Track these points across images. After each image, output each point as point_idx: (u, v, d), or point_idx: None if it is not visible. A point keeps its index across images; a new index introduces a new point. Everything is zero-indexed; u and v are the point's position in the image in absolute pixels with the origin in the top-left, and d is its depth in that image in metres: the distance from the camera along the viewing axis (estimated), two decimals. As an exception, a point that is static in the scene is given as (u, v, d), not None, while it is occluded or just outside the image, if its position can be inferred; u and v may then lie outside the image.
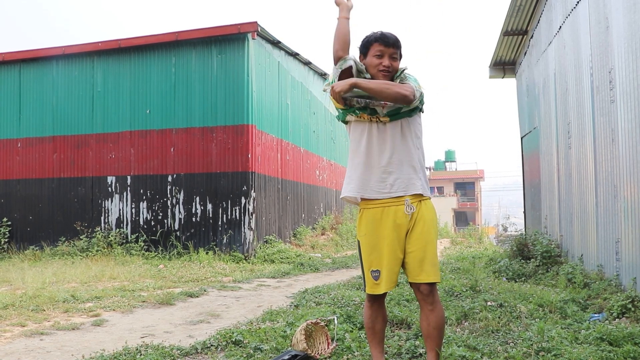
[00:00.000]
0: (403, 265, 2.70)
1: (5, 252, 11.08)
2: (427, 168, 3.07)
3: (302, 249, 11.85)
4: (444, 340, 3.10)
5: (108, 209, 11.01)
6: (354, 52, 2.79)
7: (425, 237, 2.65)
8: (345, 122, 2.83)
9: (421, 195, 2.72)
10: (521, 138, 11.54)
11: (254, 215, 10.35)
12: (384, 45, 2.67)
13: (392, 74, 2.72)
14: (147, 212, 10.77)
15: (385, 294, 2.73)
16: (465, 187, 46.06)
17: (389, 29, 2.80)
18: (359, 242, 2.77)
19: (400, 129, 2.69)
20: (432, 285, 2.65)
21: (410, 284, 2.73)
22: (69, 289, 6.33)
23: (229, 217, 10.36)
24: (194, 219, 10.53)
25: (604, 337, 3.43)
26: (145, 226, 10.73)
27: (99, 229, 10.87)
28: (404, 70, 2.75)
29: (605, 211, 5.65)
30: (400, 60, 2.76)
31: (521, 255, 7.59)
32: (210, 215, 10.45)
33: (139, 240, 10.55)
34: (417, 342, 3.38)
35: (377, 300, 2.75)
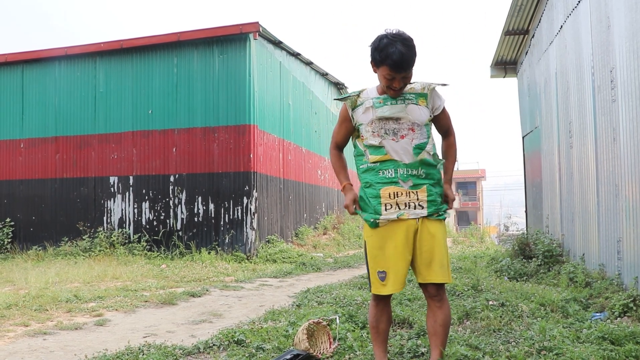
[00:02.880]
0: (412, 265, 2.69)
1: (9, 252, 11.12)
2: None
3: (304, 249, 11.87)
4: (445, 340, 3.10)
5: (110, 209, 11.03)
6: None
7: (433, 238, 2.62)
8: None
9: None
10: (522, 137, 11.54)
11: (256, 215, 10.36)
12: (395, 72, 2.54)
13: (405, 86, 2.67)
14: (150, 212, 10.79)
15: (391, 294, 2.71)
16: (467, 186, 46.02)
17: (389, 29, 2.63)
18: (365, 242, 2.75)
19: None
20: (440, 285, 2.65)
21: (419, 283, 2.72)
22: (72, 289, 6.35)
23: (231, 217, 10.38)
24: (196, 219, 10.55)
25: (606, 336, 3.43)
26: (147, 226, 10.76)
27: (101, 229, 10.90)
28: (433, 87, 2.70)
29: (606, 210, 5.65)
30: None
31: (523, 254, 7.59)
32: (213, 215, 10.47)
33: (142, 240, 10.58)
34: (419, 342, 3.38)
35: (382, 300, 2.74)
